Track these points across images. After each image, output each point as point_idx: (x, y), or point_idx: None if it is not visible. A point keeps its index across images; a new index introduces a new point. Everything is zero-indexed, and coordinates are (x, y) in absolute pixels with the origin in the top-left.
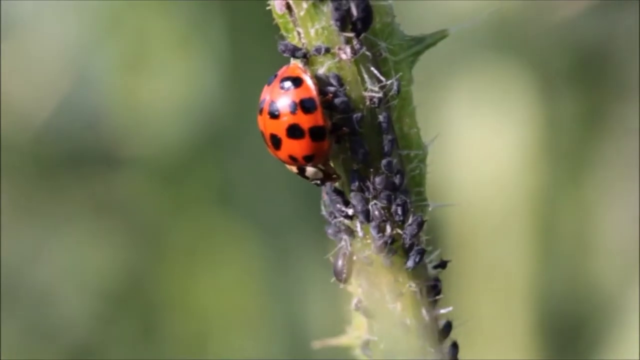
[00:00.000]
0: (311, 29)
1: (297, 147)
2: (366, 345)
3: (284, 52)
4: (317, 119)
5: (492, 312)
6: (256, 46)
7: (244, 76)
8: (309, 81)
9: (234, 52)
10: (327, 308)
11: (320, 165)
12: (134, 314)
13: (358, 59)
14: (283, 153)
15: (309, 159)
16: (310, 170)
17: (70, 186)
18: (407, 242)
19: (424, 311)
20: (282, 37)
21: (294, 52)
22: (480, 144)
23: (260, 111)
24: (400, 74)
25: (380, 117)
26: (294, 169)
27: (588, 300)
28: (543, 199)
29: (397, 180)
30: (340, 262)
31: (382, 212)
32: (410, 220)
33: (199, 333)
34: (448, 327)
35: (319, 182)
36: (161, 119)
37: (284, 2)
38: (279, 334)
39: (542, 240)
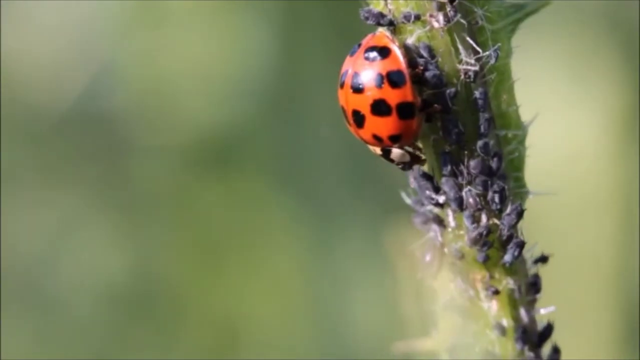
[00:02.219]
0: None
1: (383, 126)
2: (455, 348)
3: (367, 19)
4: (405, 94)
5: (577, 300)
6: (313, 8)
7: (298, 45)
8: (397, 52)
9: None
10: (379, 300)
11: (407, 147)
12: (160, 310)
13: (452, 28)
14: (366, 132)
15: (395, 139)
16: (396, 152)
17: (93, 178)
18: (505, 233)
19: (522, 311)
20: (366, 3)
21: (379, 19)
22: (561, 121)
23: (342, 85)
24: (499, 44)
25: (476, 93)
26: (378, 150)
27: None
28: (629, 179)
29: (494, 164)
30: (428, 256)
31: (477, 199)
32: (508, 209)
33: (230, 327)
34: (549, 330)
35: (405, 165)
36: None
37: None
38: (326, 323)
39: (629, 223)
